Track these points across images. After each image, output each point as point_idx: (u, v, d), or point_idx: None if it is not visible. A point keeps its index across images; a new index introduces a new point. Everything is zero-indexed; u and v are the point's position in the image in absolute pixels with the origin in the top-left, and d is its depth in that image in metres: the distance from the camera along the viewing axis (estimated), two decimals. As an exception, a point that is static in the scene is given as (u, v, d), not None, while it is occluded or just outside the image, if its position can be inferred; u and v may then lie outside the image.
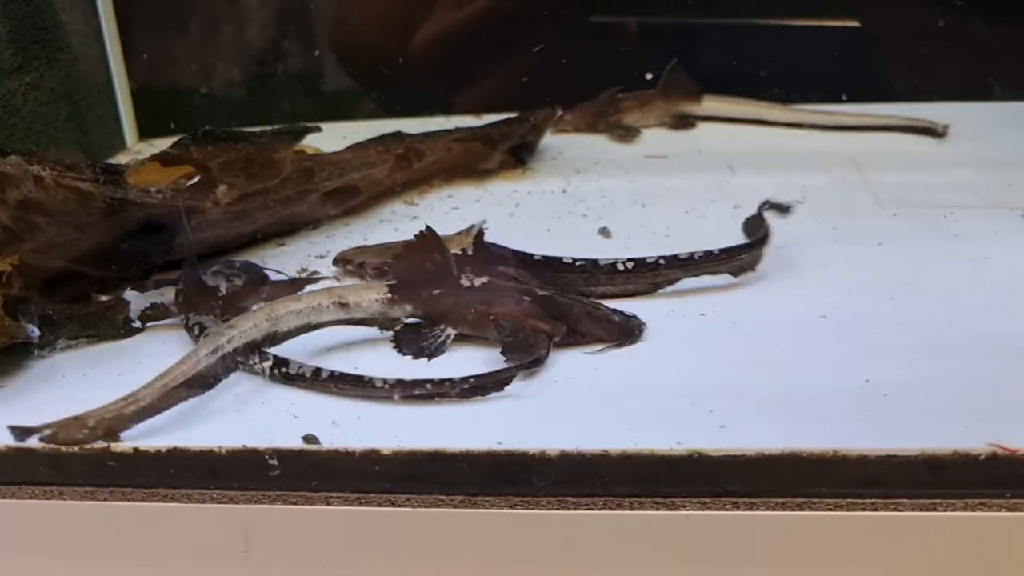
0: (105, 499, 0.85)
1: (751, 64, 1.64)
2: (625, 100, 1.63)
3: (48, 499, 0.85)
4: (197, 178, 1.11)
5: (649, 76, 1.64)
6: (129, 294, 1.07)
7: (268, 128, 1.17)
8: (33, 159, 0.93)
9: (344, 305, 0.97)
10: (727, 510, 0.80)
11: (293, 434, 0.84)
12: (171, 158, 1.09)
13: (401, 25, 1.64)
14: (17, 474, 0.86)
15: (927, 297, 1.04)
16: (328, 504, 0.83)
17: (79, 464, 0.85)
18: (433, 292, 0.98)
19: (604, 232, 1.24)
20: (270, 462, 0.83)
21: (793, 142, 1.57)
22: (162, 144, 1.15)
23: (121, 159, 1.53)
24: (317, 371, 0.91)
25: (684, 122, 1.64)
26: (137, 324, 1.03)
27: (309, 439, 0.82)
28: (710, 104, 1.64)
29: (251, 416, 0.88)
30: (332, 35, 1.72)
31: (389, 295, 0.98)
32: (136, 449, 0.84)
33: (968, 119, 1.56)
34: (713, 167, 1.46)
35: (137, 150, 1.63)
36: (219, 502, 0.84)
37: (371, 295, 0.98)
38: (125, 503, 0.85)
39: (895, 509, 0.78)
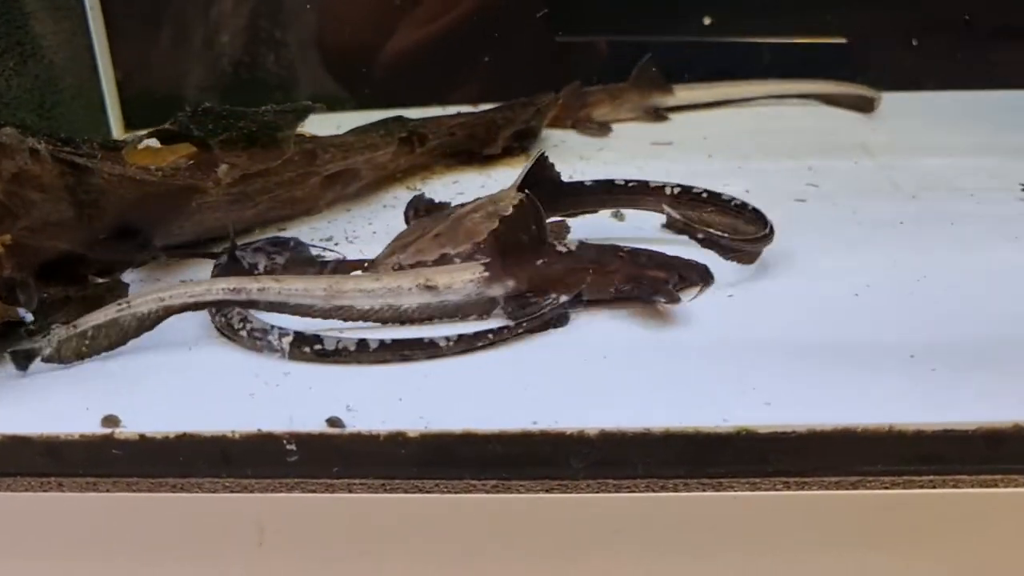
0: (108, 490, 0.79)
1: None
2: (595, 94, 1.59)
3: (46, 491, 0.80)
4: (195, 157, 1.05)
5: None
6: (128, 276, 1.01)
7: (270, 106, 1.12)
8: (28, 132, 0.87)
9: (431, 288, 0.91)
10: (777, 490, 0.75)
11: (312, 416, 0.78)
12: (170, 135, 1.03)
13: (388, 25, 1.63)
14: (11, 464, 0.80)
15: (960, 274, 1.00)
16: (351, 492, 0.78)
17: (79, 452, 0.79)
18: (536, 263, 0.93)
19: (618, 215, 1.20)
20: (288, 447, 0.77)
21: (799, 127, 1.55)
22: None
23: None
24: (363, 342, 0.86)
25: (657, 115, 1.60)
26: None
27: (334, 422, 0.77)
28: (683, 94, 1.61)
29: (266, 397, 0.82)
30: (322, 32, 1.70)
31: (485, 273, 0.92)
32: (142, 436, 0.79)
33: (978, 106, 1.55)
34: (721, 152, 1.43)
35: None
36: (232, 491, 0.78)
37: (463, 276, 0.92)
38: (130, 494, 0.79)
39: (954, 486, 0.74)
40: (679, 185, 1.10)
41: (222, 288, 0.89)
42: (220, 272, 0.99)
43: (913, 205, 1.21)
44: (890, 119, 1.57)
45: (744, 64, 1.63)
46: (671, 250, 1.00)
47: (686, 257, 0.98)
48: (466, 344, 0.87)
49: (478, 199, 1.06)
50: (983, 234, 1.10)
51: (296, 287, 0.90)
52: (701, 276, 0.96)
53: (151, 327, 0.89)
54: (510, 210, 0.95)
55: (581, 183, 1.12)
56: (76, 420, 0.79)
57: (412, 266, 0.98)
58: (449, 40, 1.59)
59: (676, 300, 0.90)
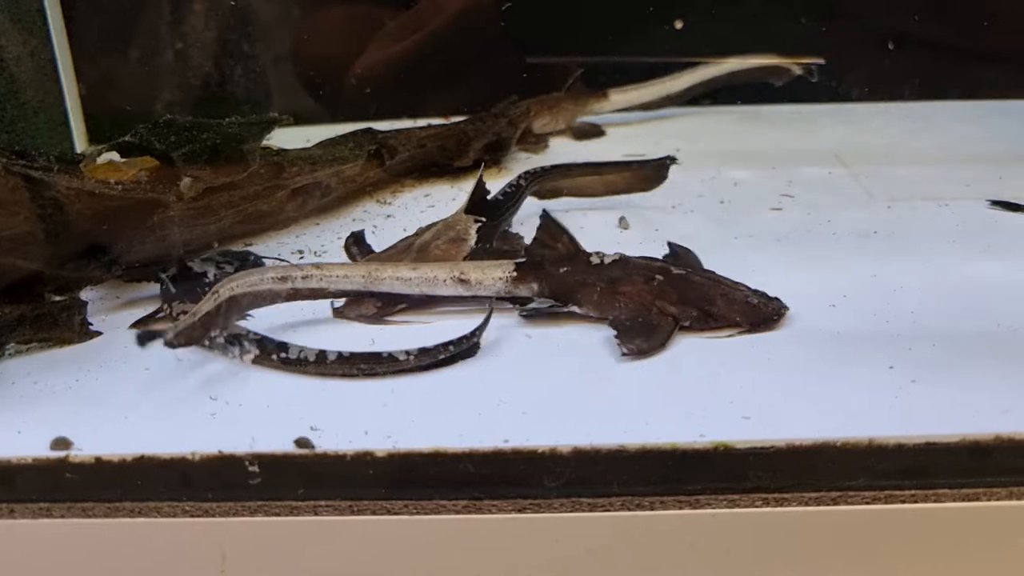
0: (62, 516, 0.76)
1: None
2: (532, 105, 1.55)
3: (-5, 518, 0.76)
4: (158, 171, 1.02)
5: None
6: (87, 294, 0.98)
7: (235, 119, 1.09)
8: (-22, 144, 0.84)
9: (464, 281, 0.93)
10: (756, 507, 0.73)
11: (276, 435, 0.75)
12: (130, 148, 1.00)
13: (359, 39, 1.61)
14: (-41, 490, 0.77)
15: (936, 285, 0.99)
16: (316, 514, 0.75)
17: (32, 476, 0.76)
18: (560, 270, 0.93)
19: (623, 223, 1.20)
20: (250, 469, 0.75)
21: (773, 138, 1.54)
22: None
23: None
24: (322, 354, 0.84)
25: (594, 129, 1.59)
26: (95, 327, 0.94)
27: (302, 443, 0.74)
28: (617, 97, 1.60)
29: (228, 416, 0.79)
30: (293, 46, 1.68)
31: (514, 274, 0.94)
32: (98, 458, 0.75)
33: (953, 114, 1.55)
34: (696, 164, 1.42)
35: (87, 156, 1.53)
36: (192, 515, 0.75)
37: (495, 273, 0.94)
38: (85, 520, 0.76)
39: (936, 501, 0.73)
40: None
41: (271, 277, 0.90)
42: (164, 288, 0.97)
43: (887, 215, 1.20)
44: (863, 128, 1.56)
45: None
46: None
47: (764, 295, 0.92)
48: (428, 358, 0.85)
49: (431, 226, 1.08)
50: (957, 244, 1.09)
51: (337, 273, 0.92)
52: (758, 319, 0.90)
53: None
54: (470, 233, 1.01)
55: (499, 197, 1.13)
56: (22, 443, 0.76)
57: None
58: (421, 55, 1.59)
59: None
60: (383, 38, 1.61)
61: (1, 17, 1.38)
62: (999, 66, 1.55)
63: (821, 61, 1.56)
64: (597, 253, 0.95)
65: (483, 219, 1.05)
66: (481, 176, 1.09)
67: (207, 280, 0.98)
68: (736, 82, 1.60)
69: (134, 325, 0.95)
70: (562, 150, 1.52)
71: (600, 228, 1.18)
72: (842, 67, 1.61)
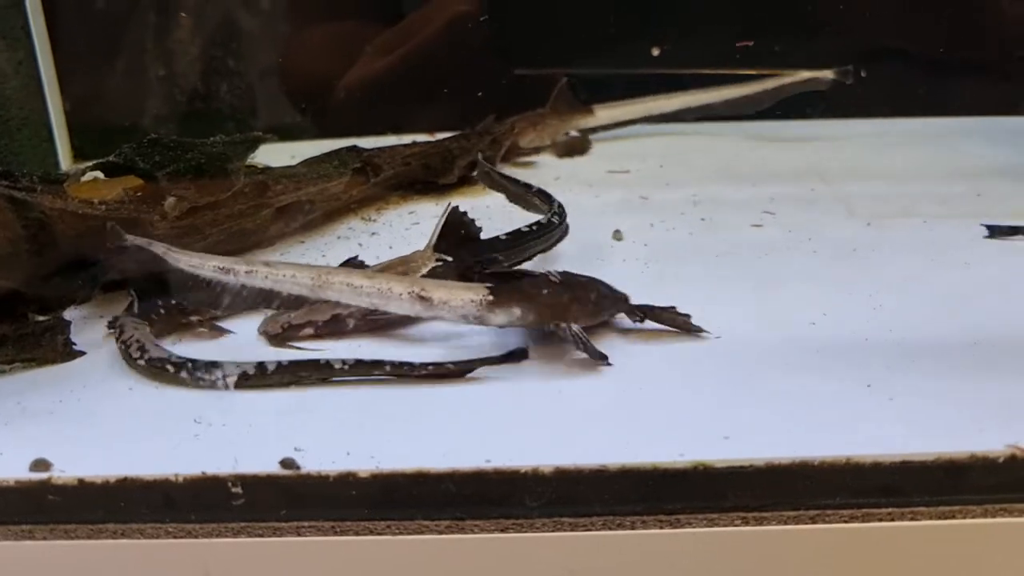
0: (44, 538, 0.76)
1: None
2: (518, 122, 1.56)
3: (-23, 541, 0.76)
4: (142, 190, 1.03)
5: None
6: (70, 313, 0.98)
7: (219, 137, 1.09)
8: (-39, 164, 0.84)
9: (425, 299, 0.87)
10: (736, 526, 0.74)
11: (259, 456, 0.76)
12: (115, 167, 1.01)
13: (345, 55, 1.62)
14: (-61, 512, 0.77)
15: (915, 303, 1.00)
16: (299, 535, 0.75)
17: (13, 498, 0.76)
18: (542, 292, 0.88)
19: (617, 235, 1.21)
20: (233, 490, 0.75)
21: (756, 155, 1.56)
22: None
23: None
24: (261, 365, 0.85)
25: (581, 143, 1.60)
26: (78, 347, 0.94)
27: (287, 463, 0.74)
28: (603, 113, 1.61)
29: (212, 437, 0.80)
30: (279, 62, 1.69)
31: (490, 297, 0.87)
32: (80, 480, 0.75)
33: (932, 132, 1.57)
34: (679, 181, 1.43)
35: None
36: (176, 537, 0.75)
37: (464, 295, 0.87)
38: (68, 542, 0.76)
39: (913, 519, 0.74)
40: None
41: (213, 265, 0.88)
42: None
43: (867, 232, 1.21)
44: (842, 145, 1.58)
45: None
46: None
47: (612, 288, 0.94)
48: (363, 371, 0.86)
49: (388, 261, 1.03)
50: (935, 261, 1.11)
51: (285, 273, 0.88)
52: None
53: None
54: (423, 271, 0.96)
55: (496, 237, 1.06)
56: (3, 464, 0.77)
57: None
58: (406, 70, 1.59)
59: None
60: (370, 54, 1.62)
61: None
62: (972, 83, 1.58)
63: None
64: (549, 271, 0.91)
65: (447, 258, 0.99)
66: (448, 210, 1.02)
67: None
68: (727, 111, 1.60)
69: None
70: (548, 166, 1.54)
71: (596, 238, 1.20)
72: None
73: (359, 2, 1.66)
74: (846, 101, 1.60)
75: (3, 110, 1.40)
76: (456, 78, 1.61)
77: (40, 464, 0.76)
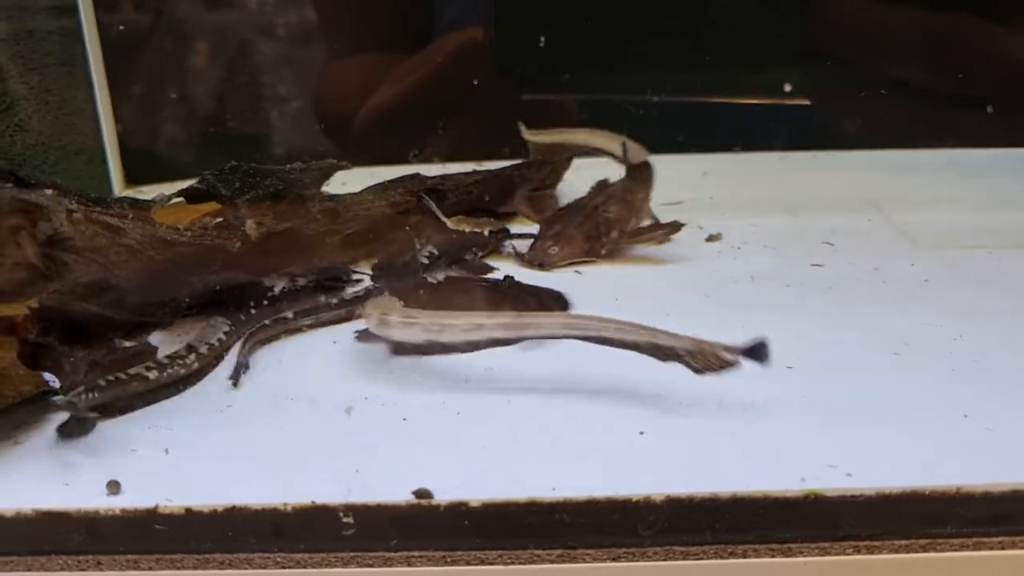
0: (151, 568, 0.76)
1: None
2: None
3: (83, 571, 0.76)
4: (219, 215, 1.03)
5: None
6: (154, 338, 0.98)
7: (296, 164, 1.10)
8: (63, 192, 0.84)
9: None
10: (847, 555, 0.74)
11: (368, 485, 0.75)
12: (198, 194, 1.01)
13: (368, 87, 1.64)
14: (46, 542, 0.76)
15: (996, 332, 1.00)
16: (410, 565, 0.75)
17: (120, 528, 0.76)
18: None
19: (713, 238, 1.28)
20: (344, 519, 0.74)
21: (809, 186, 1.56)
22: (150, 191, 1.08)
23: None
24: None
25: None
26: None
27: (422, 494, 0.74)
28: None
29: (321, 464, 0.79)
30: (316, 101, 1.71)
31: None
32: (188, 509, 0.75)
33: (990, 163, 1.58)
34: (733, 211, 1.44)
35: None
36: (284, 567, 0.75)
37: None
38: (174, 572, 0.76)
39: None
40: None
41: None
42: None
43: (935, 262, 1.21)
44: (889, 176, 1.59)
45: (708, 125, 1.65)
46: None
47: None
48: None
49: None
50: (1012, 290, 1.11)
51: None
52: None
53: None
54: None
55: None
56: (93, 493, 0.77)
57: None
58: (417, 100, 1.61)
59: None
60: (388, 83, 1.63)
61: (45, 60, 1.39)
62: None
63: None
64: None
65: None
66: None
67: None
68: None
69: None
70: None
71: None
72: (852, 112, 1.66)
73: (387, 36, 1.68)
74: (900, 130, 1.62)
75: (63, 135, 1.40)
76: (466, 102, 1.62)
77: (113, 485, 0.76)
